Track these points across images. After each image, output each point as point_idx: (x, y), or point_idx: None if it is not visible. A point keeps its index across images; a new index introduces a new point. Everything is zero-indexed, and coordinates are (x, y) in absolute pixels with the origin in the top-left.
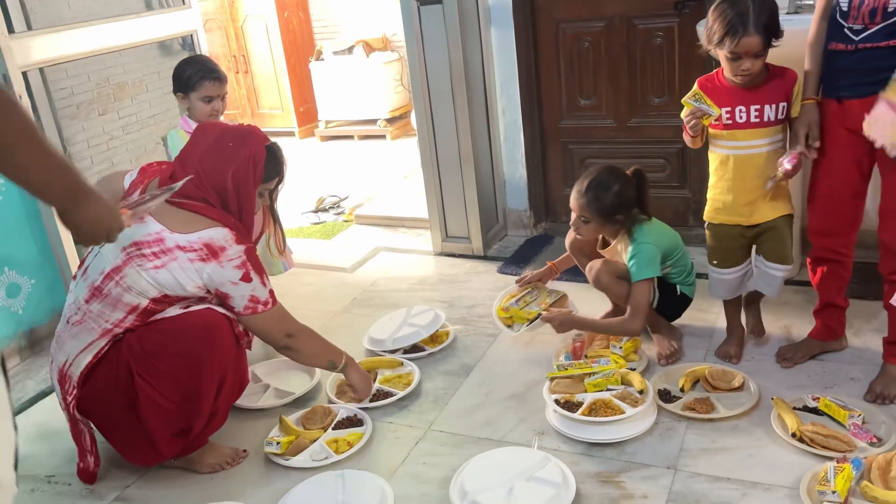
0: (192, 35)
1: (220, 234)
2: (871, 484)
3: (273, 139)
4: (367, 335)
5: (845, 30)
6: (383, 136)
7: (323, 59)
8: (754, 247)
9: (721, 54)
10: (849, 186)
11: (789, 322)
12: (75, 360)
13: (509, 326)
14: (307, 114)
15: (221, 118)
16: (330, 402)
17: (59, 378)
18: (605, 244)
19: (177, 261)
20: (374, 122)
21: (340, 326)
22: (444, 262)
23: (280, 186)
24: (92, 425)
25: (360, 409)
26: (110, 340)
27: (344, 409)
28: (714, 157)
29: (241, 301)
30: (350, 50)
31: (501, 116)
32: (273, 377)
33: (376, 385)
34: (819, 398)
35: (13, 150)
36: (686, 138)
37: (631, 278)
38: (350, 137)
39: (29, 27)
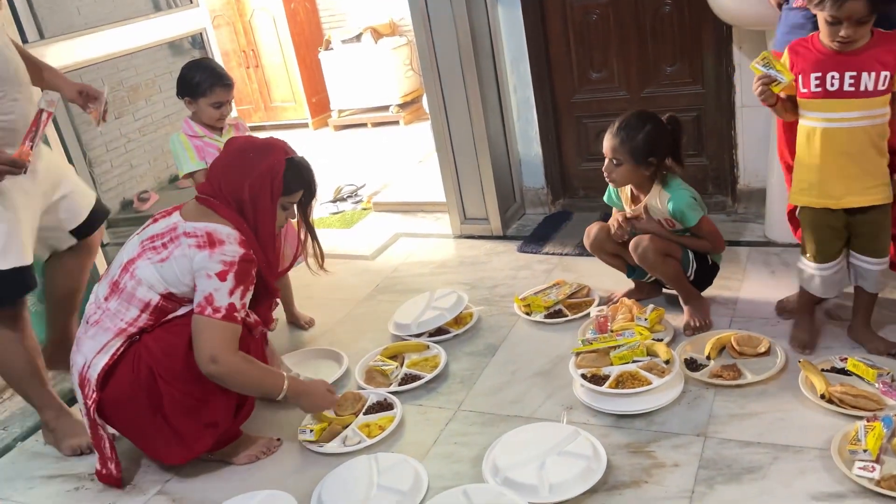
0: (201, 33)
1: (225, 230)
2: None
3: (288, 133)
4: (392, 321)
5: None
6: (396, 122)
7: (332, 49)
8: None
9: (820, 16)
10: None
11: None
12: (93, 363)
13: (528, 315)
14: (319, 104)
15: (233, 123)
16: (360, 388)
17: (80, 382)
18: (634, 201)
19: (180, 248)
20: (386, 108)
21: (365, 314)
22: (464, 244)
23: (312, 201)
24: (112, 431)
25: (389, 393)
26: (125, 341)
27: (374, 394)
28: (801, 130)
29: (200, 295)
30: (358, 37)
31: (513, 94)
32: (302, 366)
33: (404, 369)
34: (846, 358)
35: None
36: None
37: (688, 223)
38: (363, 125)
39: (41, 36)
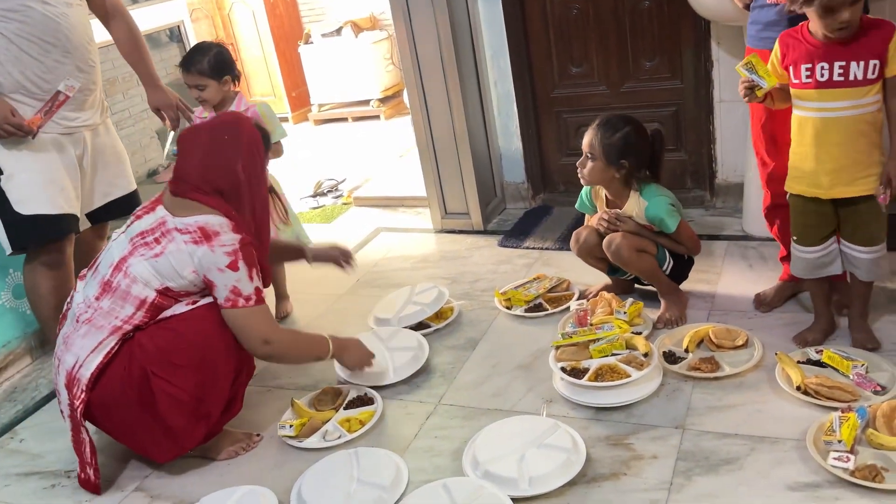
0: (178, 26)
1: (216, 220)
2: (876, 431)
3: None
4: (373, 315)
5: None
6: (377, 117)
7: (312, 43)
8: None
9: (811, 12)
10: None
11: None
12: (85, 362)
13: (508, 308)
14: (299, 98)
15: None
16: (340, 382)
17: (67, 382)
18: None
19: (174, 242)
20: (366, 102)
21: (345, 308)
22: (445, 238)
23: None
24: (91, 434)
25: (370, 388)
26: (120, 339)
27: (354, 388)
28: (794, 119)
29: (224, 291)
30: (338, 31)
31: (493, 89)
32: None
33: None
34: (822, 350)
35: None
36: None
37: (667, 230)
38: (344, 120)
39: None
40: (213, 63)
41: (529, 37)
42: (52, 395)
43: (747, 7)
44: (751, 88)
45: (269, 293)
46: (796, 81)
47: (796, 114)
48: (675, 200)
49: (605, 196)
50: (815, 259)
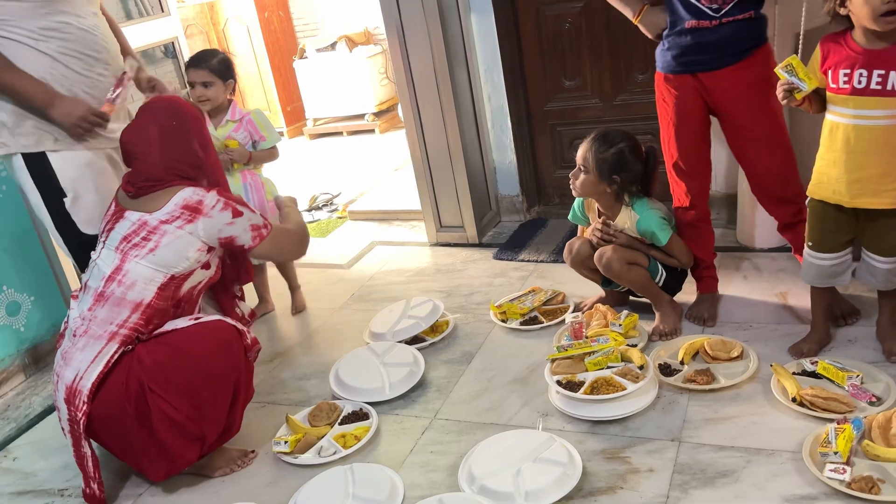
0: (173, 42)
1: (188, 192)
2: (871, 443)
3: None
4: (368, 329)
5: (704, 8)
6: (372, 131)
7: (306, 58)
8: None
9: (855, 4)
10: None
11: (786, 289)
12: (86, 373)
13: (504, 321)
14: (294, 113)
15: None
16: (335, 398)
17: (68, 396)
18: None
19: (167, 234)
20: (361, 116)
21: (340, 323)
22: (440, 251)
23: None
24: (94, 449)
25: (365, 402)
26: (119, 346)
27: (349, 403)
28: (825, 124)
29: (246, 235)
30: (333, 46)
31: (487, 103)
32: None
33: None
34: (817, 361)
35: None
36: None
37: (659, 243)
38: (339, 134)
39: None
40: (221, 64)
41: (523, 51)
42: (45, 413)
43: (658, 37)
44: (790, 91)
45: (277, 288)
46: (833, 86)
47: (829, 118)
48: (667, 213)
49: (598, 210)
50: (828, 267)
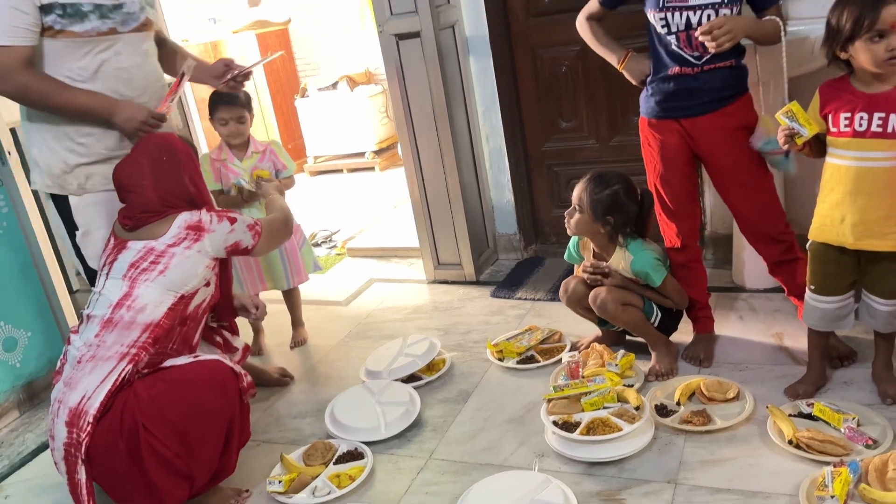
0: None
1: (186, 215)
2: (868, 486)
3: None
4: (364, 368)
5: (687, 56)
6: (372, 168)
7: (308, 96)
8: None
9: (859, 46)
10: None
11: (781, 329)
12: (94, 394)
13: (501, 360)
14: (295, 150)
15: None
16: (330, 437)
17: (71, 418)
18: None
19: (175, 256)
20: (362, 154)
21: (337, 360)
22: (438, 289)
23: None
24: (87, 475)
25: (361, 442)
26: (129, 364)
27: (345, 443)
28: (826, 167)
29: (247, 236)
30: (334, 85)
31: (486, 143)
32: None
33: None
34: (813, 403)
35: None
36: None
37: (653, 284)
38: (339, 171)
39: None
40: (247, 98)
41: (520, 93)
42: (39, 451)
43: (642, 83)
44: (791, 136)
45: (279, 323)
46: (834, 130)
47: (830, 162)
48: (662, 254)
49: (593, 249)
50: (832, 310)
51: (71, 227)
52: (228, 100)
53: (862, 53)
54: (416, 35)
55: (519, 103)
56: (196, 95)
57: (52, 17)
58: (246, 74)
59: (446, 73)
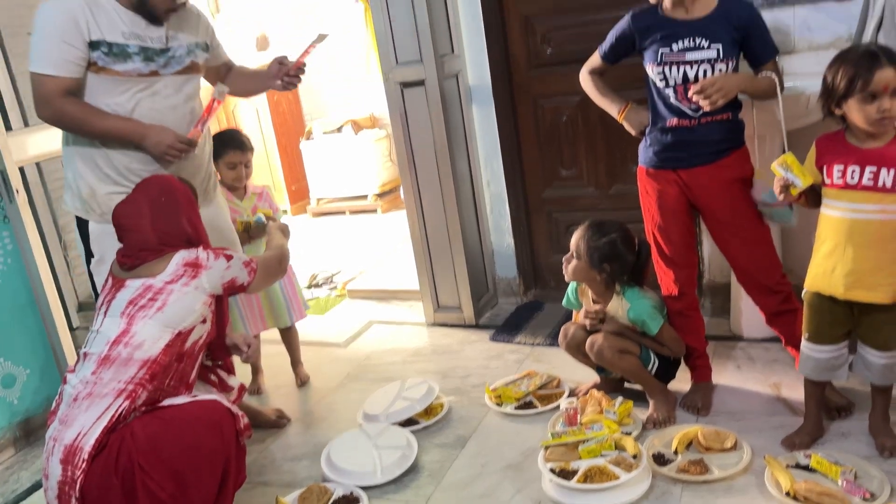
0: None
1: (184, 253)
2: None
3: None
4: (362, 411)
5: (684, 108)
6: (374, 210)
7: (313, 139)
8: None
9: (852, 105)
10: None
11: (779, 379)
12: (90, 430)
13: (499, 405)
14: (299, 192)
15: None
16: (325, 480)
17: (66, 455)
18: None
19: (174, 293)
20: (364, 197)
21: (335, 402)
22: (437, 332)
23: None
24: None
25: (357, 486)
26: (125, 401)
27: (340, 487)
28: (821, 217)
29: (242, 272)
30: (339, 129)
31: (487, 188)
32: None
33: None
34: (811, 455)
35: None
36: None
37: (649, 332)
38: (342, 213)
39: (26, 124)
40: (250, 142)
41: (521, 140)
42: (33, 489)
43: (641, 134)
44: (786, 187)
45: (277, 364)
46: (828, 181)
47: (824, 212)
48: (659, 302)
49: (592, 296)
50: (826, 359)
51: (90, 254)
52: (238, 144)
53: (855, 112)
54: (421, 83)
55: (520, 150)
56: None
57: (98, 53)
58: (300, 68)
59: (449, 120)
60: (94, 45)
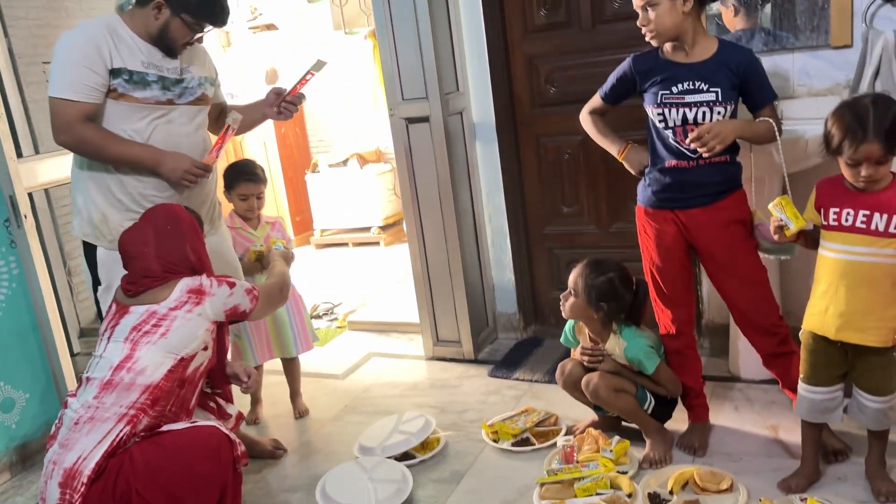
0: None
1: (188, 280)
2: None
3: None
4: (358, 443)
5: (683, 150)
6: (377, 243)
7: (319, 171)
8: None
9: (840, 161)
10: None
11: (777, 422)
12: (90, 454)
13: (496, 441)
14: (303, 223)
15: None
16: None
17: (65, 479)
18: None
19: (177, 319)
20: (367, 229)
21: (332, 434)
22: (436, 366)
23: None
24: None
25: None
26: (126, 426)
27: None
28: (818, 257)
29: (245, 299)
30: (345, 162)
31: (488, 223)
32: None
33: None
34: (806, 498)
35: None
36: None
37: (646, 371)
38: (345, 245)
39: (37, 151)
40: (264, 173)
41: (524, 177)
42: None
43: (641, 174)
44: (780, 228)
45: (276, 395)
46: (825, 223)
47: (821, 253)
48: (656, 342)
49: (588, 335)
50: (819, 401)
51: (96, 281)
52: (250, 176)
53: (842, 167)
54: (426, 119)
55: (522, 187)
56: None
57: (119, 80)
58: (297, 96)
59: (453, 155)
60: (115, 73)
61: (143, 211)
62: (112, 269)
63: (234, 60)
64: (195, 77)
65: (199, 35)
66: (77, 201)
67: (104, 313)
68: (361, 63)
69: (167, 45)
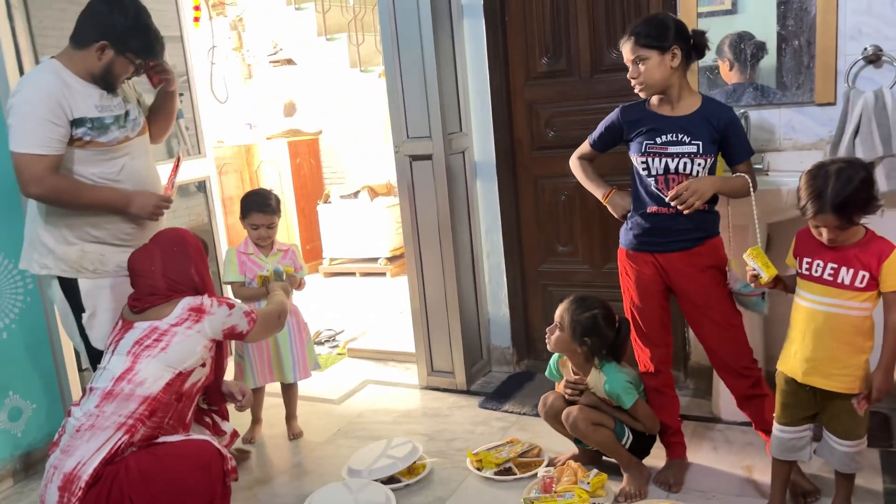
0: (205, 181)
1: (189, 299)
2: None
3: None
4: (346, 466)
5: (663, 196)
6: (384, 274)
7: (330, 202)
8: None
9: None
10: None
11: (752, 462)
12: (89, 460)
13: (479, 469)
14: (313, 251)
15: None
16: None
17: (64, 483)
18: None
19: (177, 335)
20: (375, 260)
21: (322, 457)
22: (429, 395)
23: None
24: None
25: None
26: (125, 434)
27: None
28: (793, 302)
29: (243, 321)
30: (356, 194)
31: (486, 259)
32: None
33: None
34: None
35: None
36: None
37: (624, 405)
38: (352, 274)
39: None
40: (278, 204)
41: (521, 216)
42: None
43: (623, 218)
44: (755, 276)
45: (275, 416)
46: (799, 271)
47: (794, 299)
48: (635, 378)
49: (572, 369)
50: (787, 440)
51: (78, 309)
52: (262, 207)
53: (811, 226)
54: (429, 157)
55: (519, 226)
56: (223, 193)
57: (83, 129)
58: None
59: (454, 193)
60: (77, 123)
61: (120, 240)
62: (97, 295)
63: (255, 91)
64: (134, 107)
65: (138, 67)
66: (47, 243)
67: (92, 340)
68: (375, 100)
69: (109, 82)
